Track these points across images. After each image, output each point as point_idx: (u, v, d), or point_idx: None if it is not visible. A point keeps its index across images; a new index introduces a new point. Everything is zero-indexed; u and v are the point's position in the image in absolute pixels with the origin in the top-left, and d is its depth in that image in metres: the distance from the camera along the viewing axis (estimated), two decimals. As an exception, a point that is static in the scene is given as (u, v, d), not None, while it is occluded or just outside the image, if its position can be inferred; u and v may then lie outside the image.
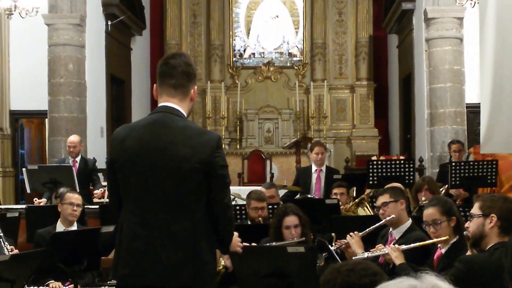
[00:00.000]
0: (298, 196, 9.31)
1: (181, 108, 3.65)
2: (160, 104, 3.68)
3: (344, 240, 5.68)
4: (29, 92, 12.75)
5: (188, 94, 3.69)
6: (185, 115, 3.67)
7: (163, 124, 3.58)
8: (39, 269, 5.30)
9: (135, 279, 3.53)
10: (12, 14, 10.92)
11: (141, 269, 3.51)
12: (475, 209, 4.32)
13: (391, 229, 5.74)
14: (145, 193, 3.53)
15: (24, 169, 9.36)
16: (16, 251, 5.86)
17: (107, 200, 10.40)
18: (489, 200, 4.34)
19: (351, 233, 5.65)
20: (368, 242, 5.76)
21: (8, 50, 12.96)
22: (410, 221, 5.75)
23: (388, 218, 5.64)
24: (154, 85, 3.74)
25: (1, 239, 5.76)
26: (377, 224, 5.77)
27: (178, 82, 3.64)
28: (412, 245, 5.21)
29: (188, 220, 3.51)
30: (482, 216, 4.25)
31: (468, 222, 4.38)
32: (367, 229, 5.77)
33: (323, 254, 5.90)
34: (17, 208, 8.60)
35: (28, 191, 9.21)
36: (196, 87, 3.76)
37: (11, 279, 4.88)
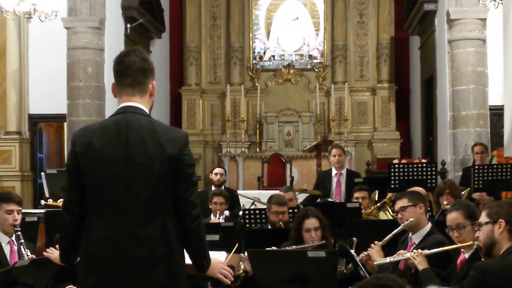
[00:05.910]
0: (318, 200, 9.23)
1: (142, 105, 3.62)
2: (121, 105, 3.63)
3: (365, 253, 5.59)
4: (48, 95, 12.77)
5: (146, 90, 3.64)
6: (147, 112, 3.64)
7: (128, 124, 3.53)
8: (58, 273, 5.28)
9: (107, 285, 3.48)
10: (31, 17, 10.96)
11: (114, 274, 3.46)
12: (483, 217, 4.38)
13: (410, 234, 5.67)
14: (115, 196, 3.47)
15: (43, 173, 9.33)
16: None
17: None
18: (495, 206, 4.39)
19: (371, 245, 5.55)
20: (389, 248, 5.69)
21: (27, 53, 12.99)
22: (429, 225, 5.70)
23: (406, 222, 5.60)
24: (112, 84, 3.68)
25: (22, 246, 5.73)
26: (396, 230, 5.73)
27: (135, 80, 3.60)
28: (435, 249, 5.17)
29: (159, 220, 3.49)
30: (491, 223, 4.27)
31: (478, 231, 4.37)
32: (387, 237, 5.72)
33: (343, 260, 5.83)
34: (35, 213, 8.56)
35: (47, 195, 9.16)
36: (154, 81, 3.71)
37: (30, 283, 4.87)
